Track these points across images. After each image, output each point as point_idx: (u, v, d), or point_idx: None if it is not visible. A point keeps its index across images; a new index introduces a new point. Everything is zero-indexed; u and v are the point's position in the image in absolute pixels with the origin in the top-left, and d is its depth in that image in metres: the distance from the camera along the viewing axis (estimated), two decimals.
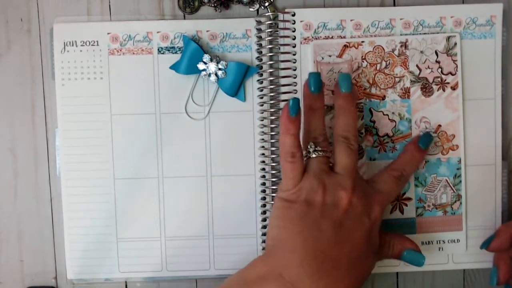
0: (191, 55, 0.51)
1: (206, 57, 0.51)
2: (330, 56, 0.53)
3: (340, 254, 0.44)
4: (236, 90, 0.52)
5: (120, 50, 0.53)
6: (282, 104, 0.52)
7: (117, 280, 0.54)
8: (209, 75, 0.52)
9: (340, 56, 0.53)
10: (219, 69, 0.51)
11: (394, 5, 0.54)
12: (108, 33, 0.52)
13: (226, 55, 0.53)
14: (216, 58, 0.51)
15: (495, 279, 0.50)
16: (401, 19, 0.53)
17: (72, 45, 0.52)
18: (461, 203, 0.53)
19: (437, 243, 0.54)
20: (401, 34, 0.53)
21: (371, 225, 0.46)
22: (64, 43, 0.52)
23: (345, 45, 0.53)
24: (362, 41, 0.53)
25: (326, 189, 0.46)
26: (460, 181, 0.53)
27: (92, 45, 0.52)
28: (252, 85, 0.53)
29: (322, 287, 0.43)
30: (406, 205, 0.53)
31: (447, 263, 0.54)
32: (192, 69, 0.52)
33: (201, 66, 0.51)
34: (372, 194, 0.48)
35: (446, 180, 0.53)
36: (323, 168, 0.47)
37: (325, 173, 0.46)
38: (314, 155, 0.47)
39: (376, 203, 0.47)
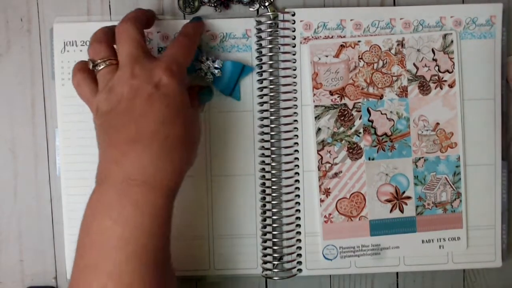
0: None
1: (202, 56, 0.51)
2: (326, 56, 0.53)
3: (139, 128, 0.43)
4: (231, 89, 0.52)
5: None
6: (282, 104, 0.53)
7: None
8: (205, 74, 0.52)
9: (337, 56, 0.53)
10: (215, 67, 0.51)
11: (394, 5, 0.54)
12: None
13: (227, 55, 0.53)
14: (212, 57, 0.51)
15: None
16: (401, 19, 0.53)
17: (72, 45, 0.52)
18: (461, 201, 0.54)
19: (437, 241, 0.54)
20: (401, 34, 0.53)
21: (157, 90, 0.43)
22: (64, 43, 0.52)
23: (341, 45, 0.53)
24: (359, 41, 0.53)
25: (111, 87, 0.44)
26: (460, 179, 0.53)
27: None
28: (252, 85, 0.53)
29: (128, 163, 0.42)
30: (406, 204, 0.53)
31: (447, 263, 0.54)
32: (188, 68, 0.51)
33: (197, 64, 0.52)
34: (154, 63, 0.45)
35: (446, 178, 0.53)
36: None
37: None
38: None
39: (158, 69, 0.44)
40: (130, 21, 0.46)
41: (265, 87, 0.52)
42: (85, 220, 0.43)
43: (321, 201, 0.53)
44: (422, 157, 0.53)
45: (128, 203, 0.42)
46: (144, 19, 0.48)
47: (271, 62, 0.52)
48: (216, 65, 0.51)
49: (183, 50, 0.47)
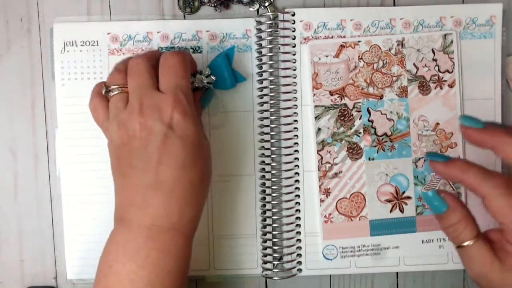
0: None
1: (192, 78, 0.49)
2: (326, 56, 0.53)
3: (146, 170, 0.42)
4: (231, 80, 0.51)
5: (120, 50, 0.53)
6: (282, 104, 0.53)
7: None
8: (203, 87, 0.50)
9: (337, 56, 0.53)
10: (207, 76, 0.50)
11: (394, 5, 0.54)
12: (108, 33, 0.53)
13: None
14: (198, 72, 0.50)
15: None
16: (401, 19, 0.53)
17: (72, 45, 0.53)
18: None
19: (437, 241, 0.54)
20: (401, 34, 0.53)
21: (172, 132, 0.42)
22: (64, 43, 0.52)
23: (341, 45, 0.53)
24: (359, 41, 0.53)
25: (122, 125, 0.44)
26: None
27: (92, 45, 0.53)
28: (252, 85, 0.53)
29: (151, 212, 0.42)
30: (406, 204, 0.53)
31: (447, 263, 0.54)
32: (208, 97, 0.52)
33: (192, 86, 0.49)
34: (161, 96, 0.44)
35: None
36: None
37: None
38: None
39: (167, 104, 0.43)
40: (144, 56, 0.46)
41: (265, 87, 0.52)
42: (105, 261, 0.43)
43: (321, 201, 0.53)
44: (422, 157, 0.53)
45: (155, 248, 0.42)
46: (157, 56, 0.46)
47: (271, 62, 0.52)
48: (206, 74, 0.50)
49: (181, 73, 0.45)
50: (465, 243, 0.41)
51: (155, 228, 0.42)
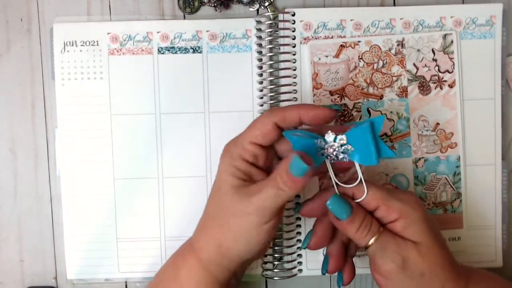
0: (306, 150, 0.42)
1: (319, 141, 0.43)
2: (326, 56, 0.53)
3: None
4: (375, 153, 0.42)
5: (120, 50, 0.53)
6: (282, 104, 0.53)
7: (117, 280, 0.54)
8: (336, 158, 0.43)
9: (337, 56, 0.53)
10: (341, 145, 0.43)
11: (394, 5, 0.54)
12: (108, 33, 0.53)
13: (228, 56, 0.53)
14: (331, 135, 0.43)
15: (325, 267, 0.48)
16: (401, 19, 0.53)
17: (72, 45, 0.53)
18: (461, 201, 0.53)
19: None
20: (401, 34, 0.53)
21: None
22: (64, 43, 0.52)
23: (341, 45, 0.53)
24: (359, 41, 0.53)
25: None
26: (460, 179, 0.53)
27: (92, 45, 0.53)
28: (252, 85, 0.53)
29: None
30: None
31: None
32: (317, 162, 0.43)
33: (321, 153, 0.43)
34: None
35: (446, 178, 0.53)
36: None
37: None
38: None
39: None
40: None
41: (265, 87, 0.52)
42: None
43: None
44: (422, 157, 0.53)
45: None
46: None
47: (271, 62, 0.52)
48: (340, 142, 0.43)
49: None
50: (375, 237, 0.43)
51: None
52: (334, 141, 0.43)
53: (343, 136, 0.42)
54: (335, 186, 0.44)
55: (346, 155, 0.43)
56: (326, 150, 0.43)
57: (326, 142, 0.43)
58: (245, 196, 0.43)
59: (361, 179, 0.44)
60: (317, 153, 0.43)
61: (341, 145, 0.43)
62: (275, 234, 0.52)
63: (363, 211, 0.44)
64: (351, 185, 0.44)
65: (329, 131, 0.43)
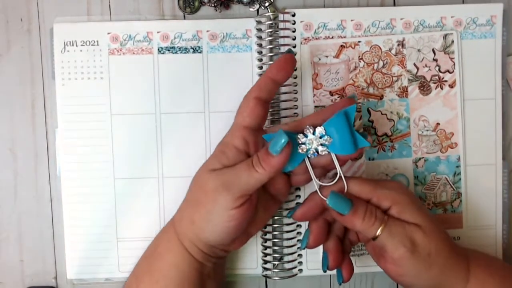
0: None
1: (297, 136, 0.45)
2: (327, 56, 0.53)
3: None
4: (351, 143, 0.44)
5: (120, 50, 0.53)
6: (282, 104, 0.53)
7: (117, 280, 0.54)
8: (316, 151, 0.45)
9: (337, 56, 0.53)
10: (320, 137, 0.44)
11: (394, 5, 0.54)
12: (108, 33, 0.53)
13: (229, 56, 0.53)
14: (308, 129, 0.45)
15: (325, 264, 0.49)
16: (401, 19, 0.53)
17: (72, 45, 0.52)
18: (461, 201, 0.53)
19: None
20: (401, 34, 0.53)
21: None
22: (64, 43, 0.52)
23: (342, 46, 0.53)
24: (359, 41, 0.53)
25: None
26: (460, 179, 0.53)
27: (92, 45, 0.53)
28: (252, 85, 0.53)
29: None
30: None
31: None
32: (296, 160, 0.45)
33: (300, 148, 0.45)
34: None
35: (446, 178, 0.53)
36: None
37: None
38: None
39: None
40: None
41: None
42: None
43: None
44: (422, 157, 0.53)
45: None
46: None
47: (271, 63, 0.52)
48: (319, 133, 0.44)
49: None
50: (383, 225, 0.44)
51: None
52: (313, 134, 0.44)
53: (321, 128, 0.44)
54: (315, 185, 0.46)
55: (325, 148, 0.45)
56: (306, 145, 0.45)
57: (306, 137, 0.45)
58: (219, 174, 0.44)
59: (340, 175, 0.45)
60: (298, 148, 0.45)
61: (320, 137, 0.44)
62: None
63: (364, 201, 0.45)
64: (331, 183, 0.46)
65: (307, 126, 0.45)
